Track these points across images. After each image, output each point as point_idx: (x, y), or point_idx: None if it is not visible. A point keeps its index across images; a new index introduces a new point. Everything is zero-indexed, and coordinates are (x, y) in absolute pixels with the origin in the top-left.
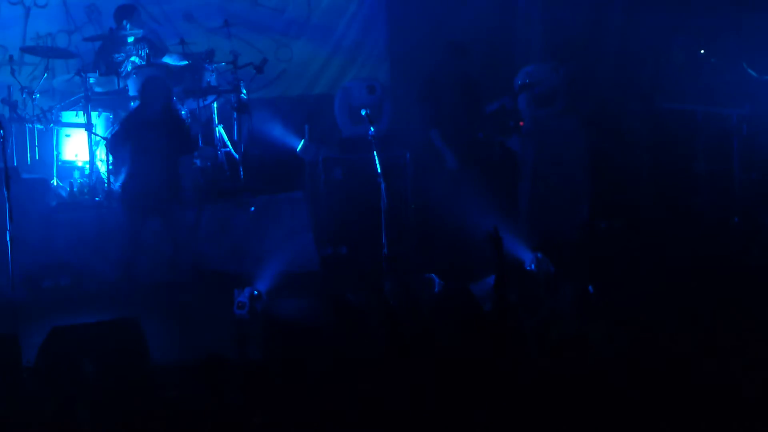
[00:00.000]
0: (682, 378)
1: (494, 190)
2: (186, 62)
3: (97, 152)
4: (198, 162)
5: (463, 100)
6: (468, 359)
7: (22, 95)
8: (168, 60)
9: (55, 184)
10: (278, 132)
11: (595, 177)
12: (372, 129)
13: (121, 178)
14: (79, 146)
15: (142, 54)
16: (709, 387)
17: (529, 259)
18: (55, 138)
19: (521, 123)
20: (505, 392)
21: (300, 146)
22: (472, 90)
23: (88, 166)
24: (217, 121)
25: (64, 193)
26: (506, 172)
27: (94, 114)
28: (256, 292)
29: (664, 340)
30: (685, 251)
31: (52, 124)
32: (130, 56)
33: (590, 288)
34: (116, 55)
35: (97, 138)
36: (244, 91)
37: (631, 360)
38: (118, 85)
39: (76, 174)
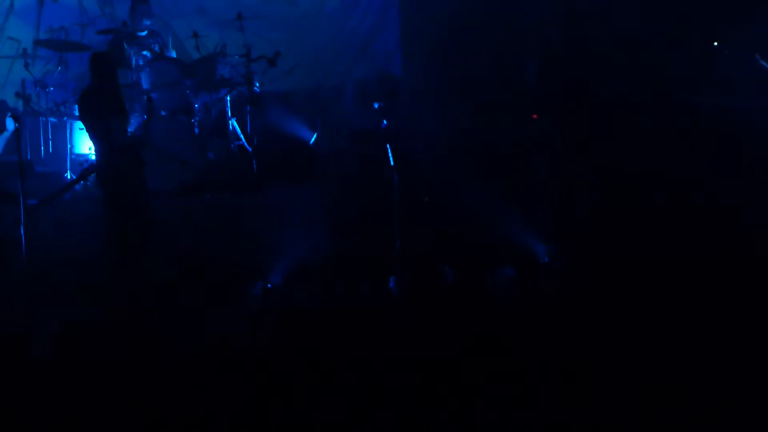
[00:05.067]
0: (687, 377)
1: (508, 183)
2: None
3: None
4: (211, 155)
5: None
6: (481, 349)
7: (36, 89)
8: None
9: (69, 177)
10: (291, 125)
11: (607, 169)
12: (385, 122)
13: None
14: None
15: (154, 47)
16: (713, 387)
17: (542, 251)
18: (68, 131)
19: (534, 116)
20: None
21: (313, 139)
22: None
23: None
24: (230, 114)
25: (77, 187)
26: (520, 163)
27: None
28: (269, 285)
29: (675, 336)
30: (697, 244)
31: (65, 118)
32: (142, 50)
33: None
34: (127, 48)
35: None
36: (257, 84)
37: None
38: (131, 78)
39: None
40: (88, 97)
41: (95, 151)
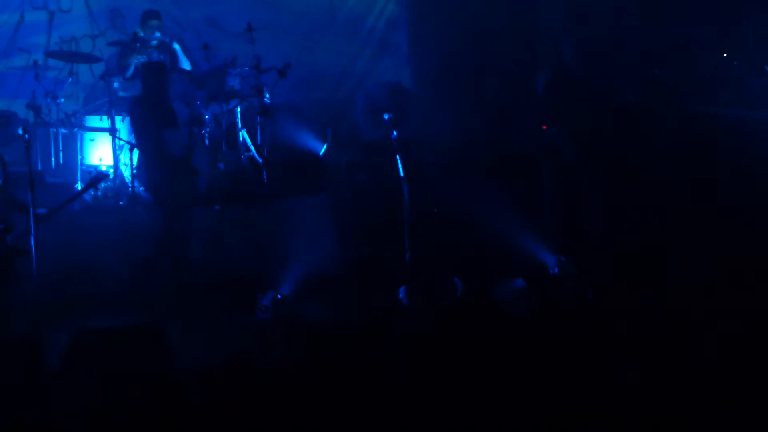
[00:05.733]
0: (703, 388)
1: (517, 194)
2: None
3: (121, 156)
4: (221, 166)
5: (589, 95)
6: (488, 361)
7: (47, 100)
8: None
9: (80, 188)
10: (301, 136)
11: (618, 179)
12: (395, 132)
13: None
14: (103, 150)
15: (162, 58)
16: (724, 395)
17: (552, 262)
18: (79, 142)
19: (544, 127)
20: (523, 392)
21: (323, 150)
22: (598, 85)
23: (112, 170)
24: (240, 126)
25: (88, 197)
26: (530, 174)
27: (118, 118)
28: (279, 296)
29: (687, 345)
30: (710, 254)
31: (76, 129)
32: (151, 59)
33: (590, 293)
34: (137, 57)
35: (121, 142)
36: (267, 96)
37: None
38: None
39: None
40: (139, 107)
41: (143, 160)
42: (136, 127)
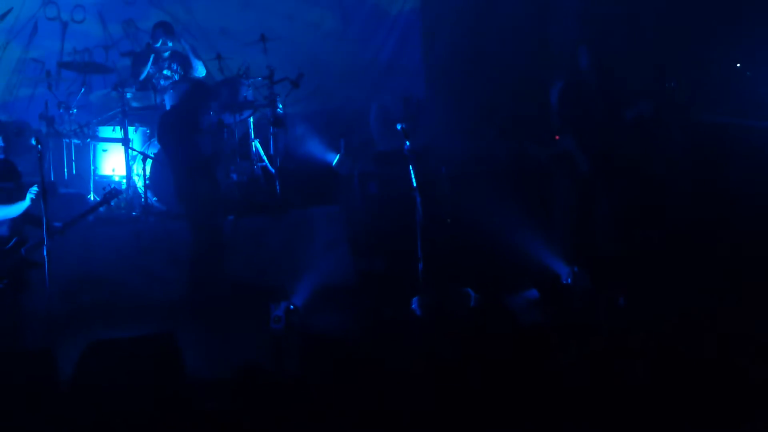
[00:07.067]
0: (718, 396)
1: (530, 204)
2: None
3: (134, 167)
4: (234, 176)
5: (603, 106)
6: (502, 372)
7: (59, 110)
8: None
9: (92, 198)
10: (314, 146)
11: (632, 189)
12: (407, 143)
13: None
14: (116, 161)
15: (174, 67)
16: (747, 412)
17: (565, 272)
18: (92, 153)
19: (557, 137)
20: (536, 404)
21: (336, 160)
22: (612, 95)
23: (125, 180)
24: (253, 136)
25: (101, 209)
26: (543, 184)
27: (131, 129)
28: (292, 306)
29: (699, 355)
30: (721, 264)
31: (89, 139)
32: (162, 70)
33: (621, 300)
34: (150, 68)
35: (134, 153)
36: (281, 106)
37: (663, 372)
38: (155, 100)
39: None
40: (165, 117)
41: (172, 170)
42: (162, 135)
